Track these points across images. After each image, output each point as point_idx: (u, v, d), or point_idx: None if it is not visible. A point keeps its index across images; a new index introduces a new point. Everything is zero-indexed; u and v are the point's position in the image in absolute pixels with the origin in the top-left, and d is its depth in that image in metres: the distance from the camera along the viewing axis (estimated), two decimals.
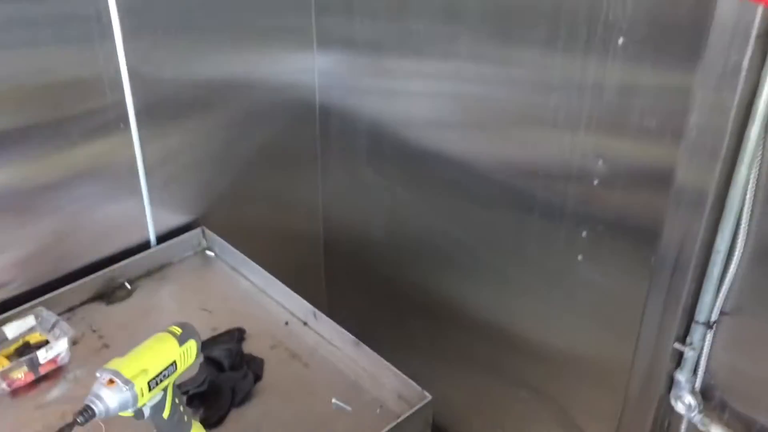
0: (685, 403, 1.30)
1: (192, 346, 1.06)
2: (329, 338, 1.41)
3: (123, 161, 1.49)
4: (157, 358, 1.01)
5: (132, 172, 1.51)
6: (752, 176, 1.06)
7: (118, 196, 1.51)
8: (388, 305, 1.94)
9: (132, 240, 1.57)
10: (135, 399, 0.97)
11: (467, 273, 1.65)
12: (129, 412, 0.99)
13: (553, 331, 1.54)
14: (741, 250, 1.12)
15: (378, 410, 1.26)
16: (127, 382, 0.96)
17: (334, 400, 1.27)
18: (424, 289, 1.78)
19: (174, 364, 1.03)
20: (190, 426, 1.11)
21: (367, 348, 1.34)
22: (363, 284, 1.98)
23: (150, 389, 0.99)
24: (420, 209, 1.69)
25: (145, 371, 0.98)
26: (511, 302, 1.59)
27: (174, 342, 1.04)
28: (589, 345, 1.49)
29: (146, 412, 1.02)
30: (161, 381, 1.01)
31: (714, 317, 1.20)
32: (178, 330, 1.05)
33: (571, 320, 1.49)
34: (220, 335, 1.40)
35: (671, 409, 1.33)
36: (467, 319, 1.71)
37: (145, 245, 1.60)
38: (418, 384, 1.28)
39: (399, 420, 1.20)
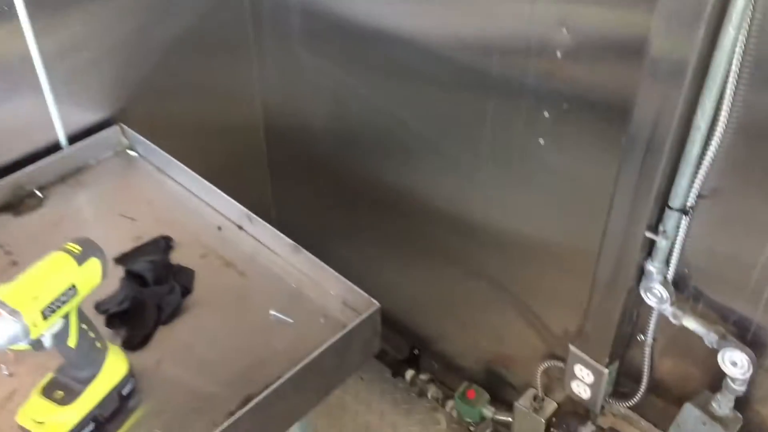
0: (655, 294, 1.20)
1: (95, 265, 0.91)
2: (267, 243, 1.27)
3: (14, 53, 1.28)
4: (50, 282, 0.86)
5: (27, 66, 1.30)
6: (740, 38, 0.91)
7: (14, 93, 1.31)
8: (336, 194, 1.80)
9: (39, 142, 1.39)
10: (26, 330, 0.83)
11: (418, 159, 1.51)
12: (23, 345, 0.85)
13: (513, 219, 1.42)
14: (724, 125, 0.98)
15: (322, 320, 1.14)
16: (13, 312, 0.82)
17: (272, 312, 1.15)
18: (373, 176, 1.64)
19: (73, 287, 0.88)
20: (105, 352, 0.98)
21: (307, 253, 1.20)
22: (309, 174, 1.83)
23: (45, 318, 0.85)
24: (364, 92, 1.52)
25: (35, 298, 0.84)
26: (466, 189, 1.46)
27: (71, 262, 0.88)
28: (552, 233, 1.37)
29: (46, 342, 0.88)
30: (59, 307, 0.86)
31: (690, 202, 1.08)
32: (76, 248, 0.90)
33: (532, 207, 1.37)
34: (143, 245, 1.26)
35: (641, 300, 1.23)
36: (419, 207, 1.58)
37: (54, 147, 1.41)
38: (368, 279, 1.16)
39: (345, 330, 1.08)
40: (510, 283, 1.53)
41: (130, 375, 1.01)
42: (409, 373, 1.89)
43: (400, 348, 1.96)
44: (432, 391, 1.85)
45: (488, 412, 1.71)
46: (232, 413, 0.98)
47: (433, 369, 1.90)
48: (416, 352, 1.92)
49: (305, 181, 1.87)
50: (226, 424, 0.95)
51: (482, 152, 1.36)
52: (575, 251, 1.33)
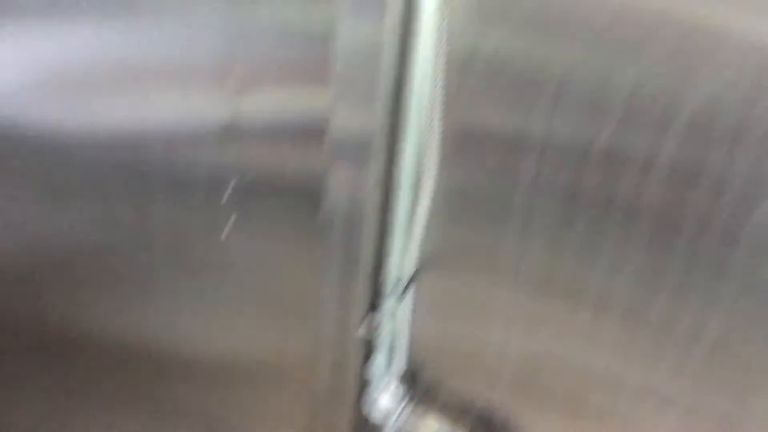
0: (381, 409, 1.01)
1: None
2: None
3: None
4: None
5: None
6: (424, 110, 0.79)
7: None
8: None
9: None
10: None
11: (79, 284, 1.19)
12: None
13: (210, 340, 1.16)
14: (428, 199, 0.85)
15: None
16: None
17: None
18: (24, 313, 1.28)
19: None
20: None
21: None
22: None
23: None
24: None
25: None
26: (143, 311, 1.18)
27: None
28: (258, 348, 1.14)
29: None
30: None
31: (404, 285, 0.92)
32: None
33: (232, 321, 1.13)
34: None
35: (366, 419, 1.04)
36: (87, 344, 1.26)
37: None
38: None
39: None
40: (217, 416, 1.26)
41: None
42: None
43: None
44: None
45: None
46: None
47: None
48: None
49: None
50: None
51: (155, 264, 1.10)
52: (288, 365, 1.11)
